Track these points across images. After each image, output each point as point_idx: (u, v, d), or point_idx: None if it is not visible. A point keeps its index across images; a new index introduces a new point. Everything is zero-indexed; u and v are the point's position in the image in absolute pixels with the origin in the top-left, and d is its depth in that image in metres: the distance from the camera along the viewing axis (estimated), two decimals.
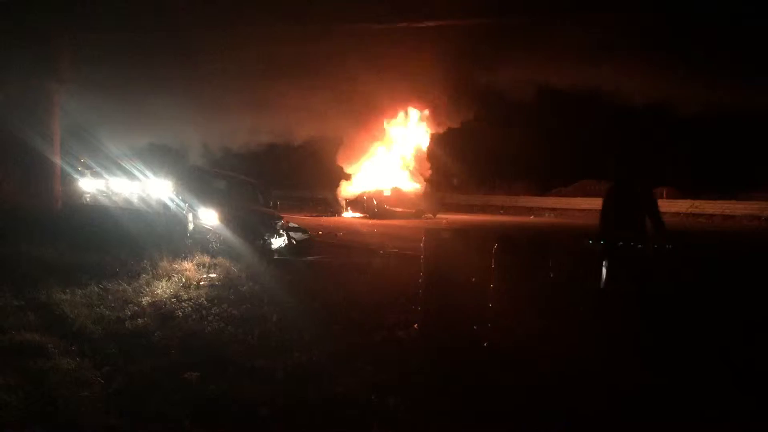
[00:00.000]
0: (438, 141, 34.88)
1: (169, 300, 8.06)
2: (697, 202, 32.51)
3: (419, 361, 6.13)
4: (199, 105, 27.68)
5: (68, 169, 23.38)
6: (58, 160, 19.22)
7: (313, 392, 5.20)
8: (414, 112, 33.95)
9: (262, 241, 13.13)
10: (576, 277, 7.75)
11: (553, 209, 36.82)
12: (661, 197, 35.77)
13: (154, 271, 9.42)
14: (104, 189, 29.73)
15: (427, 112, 33.69)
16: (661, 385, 5.43)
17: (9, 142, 18.01)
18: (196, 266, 10.07)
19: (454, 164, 37.63)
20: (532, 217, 32.64)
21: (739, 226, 27.83)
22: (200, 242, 12.13)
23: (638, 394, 5.30)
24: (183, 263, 10.11)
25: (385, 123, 33.96)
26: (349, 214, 31.39)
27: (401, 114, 33.98)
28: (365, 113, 32.33)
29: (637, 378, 5.58)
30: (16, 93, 18.65)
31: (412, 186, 33.45)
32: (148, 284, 8.75)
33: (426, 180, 34.43)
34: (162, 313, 7.49)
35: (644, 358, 5.99)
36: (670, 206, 33.79)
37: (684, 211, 32.33)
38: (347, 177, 34.18)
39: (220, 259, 10.69)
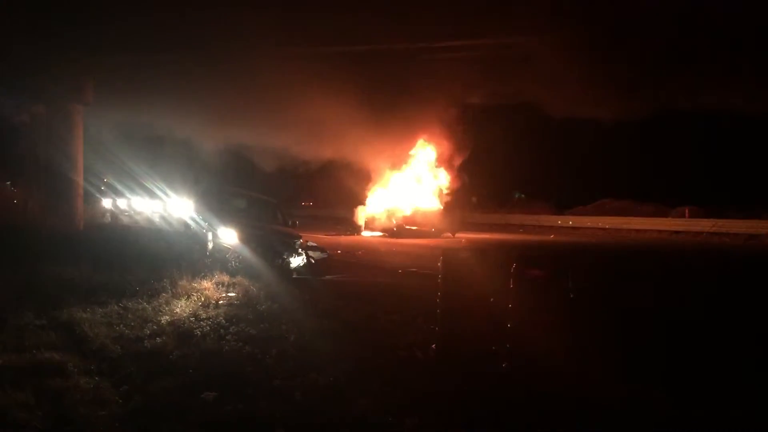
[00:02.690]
0: (458, 161, 34.88)
1: (188, 319, 8.08)
2: (720, 221, 32.08)
3: (437, 382, 6.07)
4: (219, 123, 27.97)
5: (91, 189, 23.66)
6: (80, 180, 19.47)
7: (330, 413, 5.17)
8: (435, 131, 34.03)
9: (281, 260, 13.16)
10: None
11: (573, 228, 36.59)
12: (683, 216, 35.45)
13: (174, 290, 9.46)
14: (126, 208, 30.05)
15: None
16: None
17: (34, 163, 18.32)
18: (215, 285, 10.11)
19: (473, 183, 37.59)
20: (552, 236, 32.41)
21: None
22: (219, 261, 12.16)
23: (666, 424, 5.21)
24: (202, 282, 10.15)
25: (406, 142, 34.06)
26: (368, 233, 31.40)
27: (422, 133, 34.08)
28: (387, 133, 32.43)
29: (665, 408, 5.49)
30: (40, 115, 19.00)
31: (431, 205, 33.41)
32: (167, 303, 8.78)
33: (445, 199, 34.39)
34: (181, 332, 7.51)
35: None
36: (692, 225, 33.47)
37: (707, 230, 31.94)
38: (365, 198, 34.23)
39: (239, 278, 10.71)
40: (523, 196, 42.19)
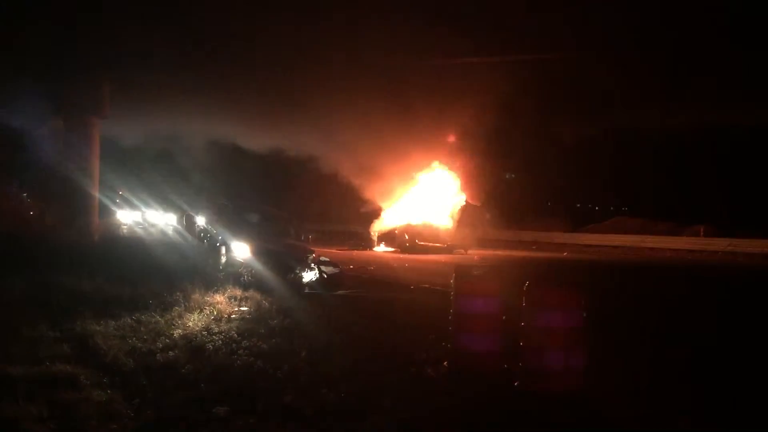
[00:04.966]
0: (471, 177, 34.80)
1: (201, 333, 8.10)
2: (735, 241, 31.78)
3: (448, 399, 6.03)
4: (234, 138, 28.17)
5: (106, 202, 23.86)
6: (96, 193, 19.67)
7: (341, 430, 5.15)
8: (450, 148, 34.02)
9: (293, 275, 13.17)
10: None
11: (587, 246, 36.38)
12: (698, 235, 35.16)
13: (187, 304, 9.50)
14: (140, 221, 30.29)
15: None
16: None
17: (51, 176, 18.52)
18: (227, 299, 10.14)
19: (487, 200, 37.49)
20: (565, 253, 32.26)
21: None
22: (232, 275, 12.22)
23: None
24: (215, 296, 10.19)
25: (420, 158, 34.02)
26: (380, 249, 31.39)
27: (437, 149, 34.07)
28: (401, 147, 32.43)
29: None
30: (58, 128, 19.23)
31: (444, 221, 33.35)
32: (180, 316, 8.81)
33: (458, 215, 34.30)
34: (193, 345, 7.51)
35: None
36: (707, 245, 33.18)
37: (722, 250, 31.65)
38: (378, 212, 34.21)
39: (251, 293, 10.74)
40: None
